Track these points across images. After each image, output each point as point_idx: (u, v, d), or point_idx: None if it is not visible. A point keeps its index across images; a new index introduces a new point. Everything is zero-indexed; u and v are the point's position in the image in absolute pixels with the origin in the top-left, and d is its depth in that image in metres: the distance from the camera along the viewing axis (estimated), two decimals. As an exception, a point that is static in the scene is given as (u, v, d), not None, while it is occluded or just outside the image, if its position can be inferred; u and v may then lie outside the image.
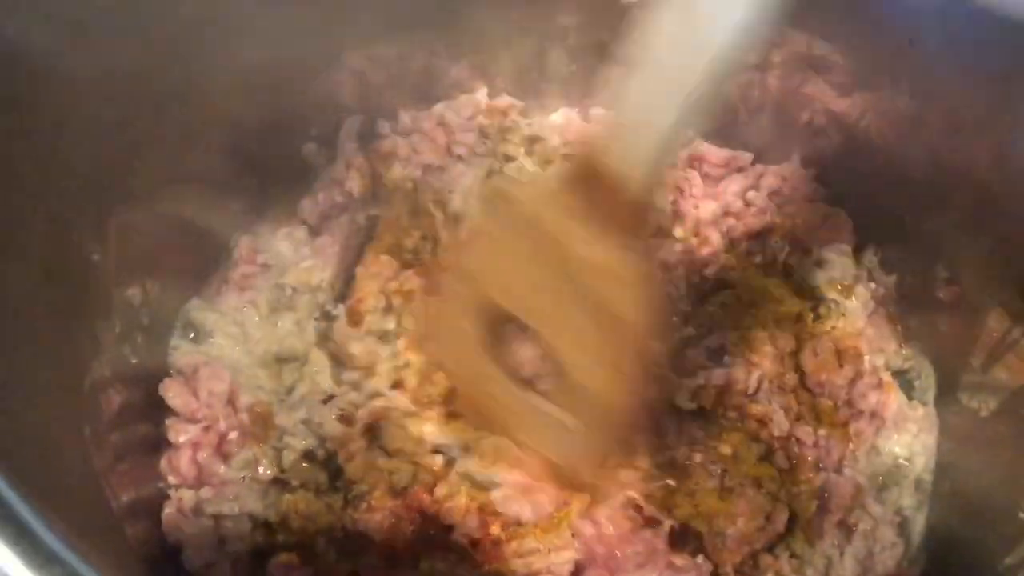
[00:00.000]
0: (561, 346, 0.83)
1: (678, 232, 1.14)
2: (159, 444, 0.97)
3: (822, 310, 1.08)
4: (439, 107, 1.20)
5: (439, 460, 0.94)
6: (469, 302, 0.87)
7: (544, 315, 0.83)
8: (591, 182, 0.75)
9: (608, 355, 0.80)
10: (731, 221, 1.14)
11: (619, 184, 0.74)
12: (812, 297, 1.09)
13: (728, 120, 1.18)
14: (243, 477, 0.94)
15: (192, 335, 1.05)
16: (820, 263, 1.11)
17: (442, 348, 0.95)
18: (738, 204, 1.15)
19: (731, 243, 1.14)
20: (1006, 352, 0.93)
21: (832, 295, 1.09)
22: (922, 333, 1.07)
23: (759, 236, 1.13)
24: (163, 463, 0.95)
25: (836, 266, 1.10)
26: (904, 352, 1.07)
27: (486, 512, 0.90)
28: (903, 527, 0.96)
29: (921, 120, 0.99)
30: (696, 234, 1.14)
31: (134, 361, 0.98)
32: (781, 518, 0.91)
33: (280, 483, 0.94)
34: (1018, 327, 0.91)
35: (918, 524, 0.97)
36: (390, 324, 1.05)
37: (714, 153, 1.18)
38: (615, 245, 0.76)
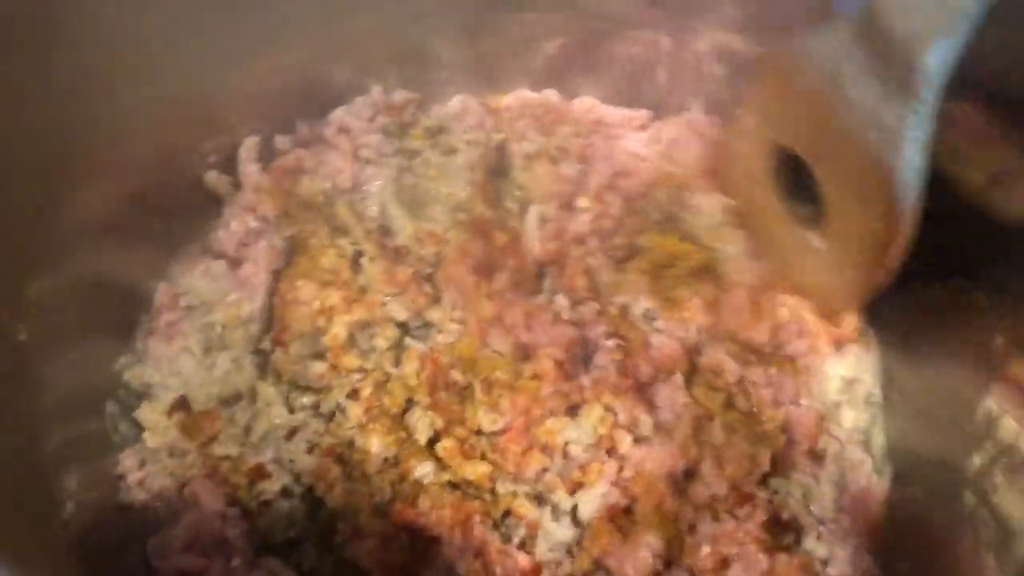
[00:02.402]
0: (832, 190, 0.95)
1: (582, 203, 1.14)
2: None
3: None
4: (337, 112, 1.17)
5: (422, 470, 0.93)
6: (760, 143, 1.04)
7: (823, 158, 0.95)
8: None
9: (869, 192, 0.90)
10: (629, 181, 1.16)
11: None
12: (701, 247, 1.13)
13: (625, 80, 1.19)
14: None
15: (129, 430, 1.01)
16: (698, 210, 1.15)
17: (734, 182, 1.11)
18: (633, 162, 1.16)
19: (629, 205, 1.15)
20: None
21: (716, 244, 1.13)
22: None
23: (650, 192, 1.15)
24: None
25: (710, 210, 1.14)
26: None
27: (472, 521, 0.91)
28: (866, 445, 1.01)
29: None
30: (600, 201, 1.14)
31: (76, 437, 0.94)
32: (764, 458, 0.95)
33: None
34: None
35: (877, 437, 1.02)
36: (321, 345, 1.02)
37: (614, 114, 1.19)
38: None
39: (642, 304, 1.06)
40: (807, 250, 1.02)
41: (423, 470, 0.94)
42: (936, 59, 0.80)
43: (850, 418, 1.02)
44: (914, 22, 0.81)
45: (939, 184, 0.87)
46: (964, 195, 0.93)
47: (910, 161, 0.86)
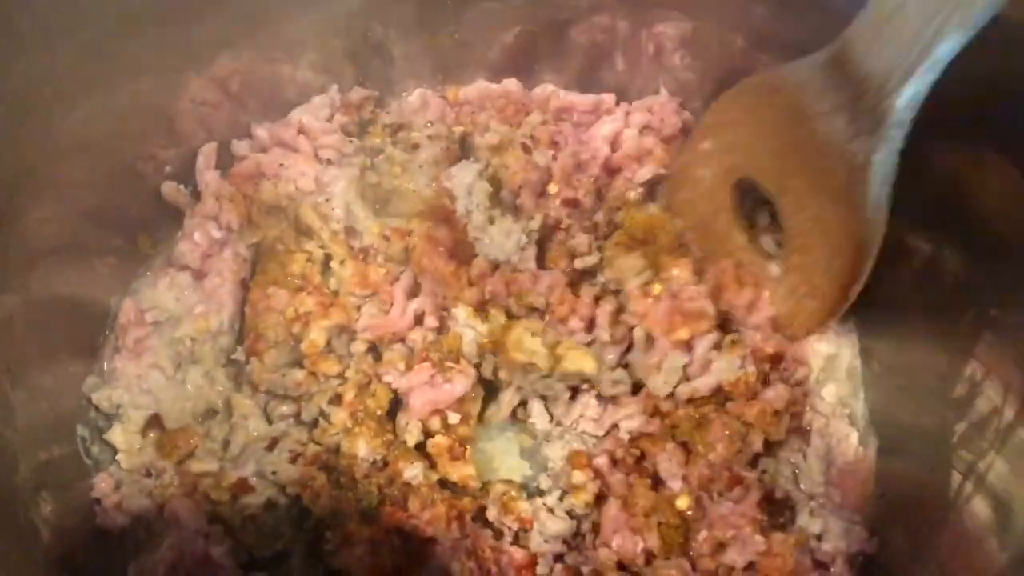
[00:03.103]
0: (794, 212, 0.95)
1: (552, 188, 1.13)
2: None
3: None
4: (295, 113, 1.14)
5: (412, 471, 0.92)
6: (721, 170, 1.02)
7: (786, 190, 0.94)
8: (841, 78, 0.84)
9: (832, 224, 0.90)
10: (599, 162, 1.14)
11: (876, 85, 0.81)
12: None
13: (587, 66, 1.18)
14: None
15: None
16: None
17: (689, 205, 1.06)
18: (605, 149, 1.15)
19: (607, 185, 1.14)
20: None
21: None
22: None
23: (630, 173, 1.15)
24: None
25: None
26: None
27: (464, 518, 0.90)
28: (851, 417, 1.01)
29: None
30: (570, 185, 1.13)
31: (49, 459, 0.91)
32: (757, 439, 0.94)
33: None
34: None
35: (859, 408, 1.02)
36: (298, 352, 1.00)
37: (581, 100, 1.18)
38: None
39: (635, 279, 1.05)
40: (764, 278, 1.02)
41: (413, 471, 0.92)
42: (905, 99, 0.80)
43: (832, 392, 1.01)
44: (885, 62, 0.80)
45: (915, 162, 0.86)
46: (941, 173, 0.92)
47: (876, 198, 0.85)
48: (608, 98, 1.18)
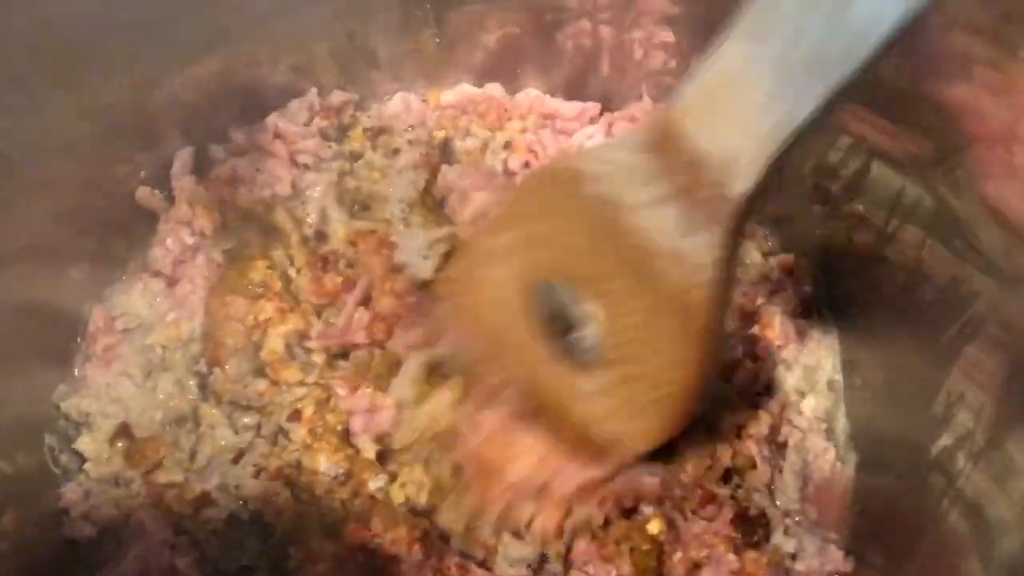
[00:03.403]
0: (613, 320, 0.78)
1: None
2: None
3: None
4: (272, 118, 1.12)
5: (376, 484, 0.90)
6: (518, 269, 0.82)
7: (602, 293, 0.78)
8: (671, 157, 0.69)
9: (663, 333, 0.76)
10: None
11: (714, 172, 0.67)
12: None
13: (572, 73, 1.16)
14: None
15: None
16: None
17: (476, 314, 0.88)
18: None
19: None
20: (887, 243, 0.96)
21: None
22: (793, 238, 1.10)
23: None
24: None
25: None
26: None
27: (428, 539, 0.88)
28: (829, 432, 0.99)
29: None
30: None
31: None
32: (726, 453, 0.93)
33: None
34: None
35: (839, 422, 1.01)
36: (259, 360, 0.99)
37: (565, 108, 1.16)
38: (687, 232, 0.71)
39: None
40: (579, 396, 0.83)
41: (376, 483, 0.91)
42: (752, 183, 0.66)
43: (811, 405, 1.00)
44: (723, 140, 0.66)
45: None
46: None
47: (715, 298, 0.73)
48: (592, 107, 1.16)
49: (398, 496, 0.91)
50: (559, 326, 0.83)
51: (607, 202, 0.74)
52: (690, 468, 0.90)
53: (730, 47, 0.66)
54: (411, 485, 0.92)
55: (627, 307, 0.77)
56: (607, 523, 0.89)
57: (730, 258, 0.72)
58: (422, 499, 0.91)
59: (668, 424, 0.81)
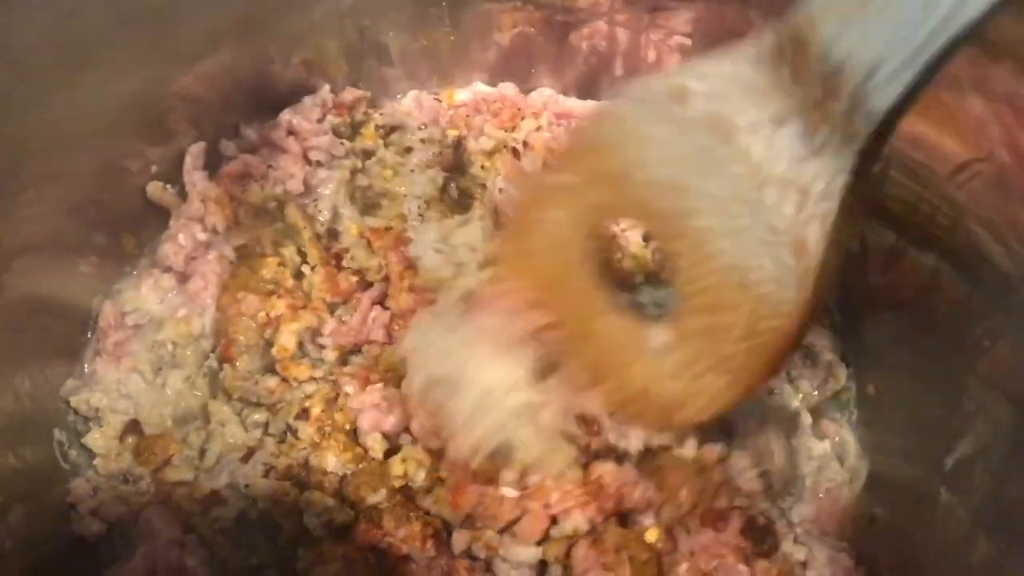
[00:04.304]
0: (696, 263, 0.70)
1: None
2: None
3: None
4: (285, 114, 1.11)
5: (382, 493, 0.90)
6: (581, 210, 0.75)
7: (682, 229, 0.70)
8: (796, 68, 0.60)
9: (766, 273, 0.67)
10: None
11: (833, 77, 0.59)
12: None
13: (585, 73, 1.16)
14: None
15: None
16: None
17: (532, 259, 0.81)
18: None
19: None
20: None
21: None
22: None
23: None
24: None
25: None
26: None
27: (439, 536, 0.88)
28: (841, 442, 0.99)
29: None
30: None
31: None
32: (716, 474, 0.90)
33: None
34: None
35: (850, 433, 1.00)
36: (270, 357, 0.99)
37: (579, 107, 1.16)
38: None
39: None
40: (642, 351, 0.76)
41: (376, 497, 0.90)
42: (898, 97, 0.58)
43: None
44: (870, 46, 0.57)
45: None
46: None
47: (837, 231, 0.64)
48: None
49: (397, 470, 0.90)
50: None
51: (718, 122, 0.66)
52: (684, 496, 0.88)
53: None
54: (412, 461, 0.91)
55: (716, 247, 0.69)
56: (596, 531, 0.88)
57: (848, 179, 0.63)
58: (420, 478, 0.90)
59: (747, 383, 0.73)
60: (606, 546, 0.87)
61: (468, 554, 0.88)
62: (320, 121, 1.12)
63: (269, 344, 0.99)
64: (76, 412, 0.97)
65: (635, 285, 0.93)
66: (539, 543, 0.87)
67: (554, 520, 0.87)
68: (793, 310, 0.67)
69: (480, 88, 1.20)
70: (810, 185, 0.63)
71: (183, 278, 1.04)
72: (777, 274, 0.67)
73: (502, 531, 0.87)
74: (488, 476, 0.87)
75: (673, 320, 0.75)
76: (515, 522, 0.87)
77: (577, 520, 0.87)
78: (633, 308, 0.79)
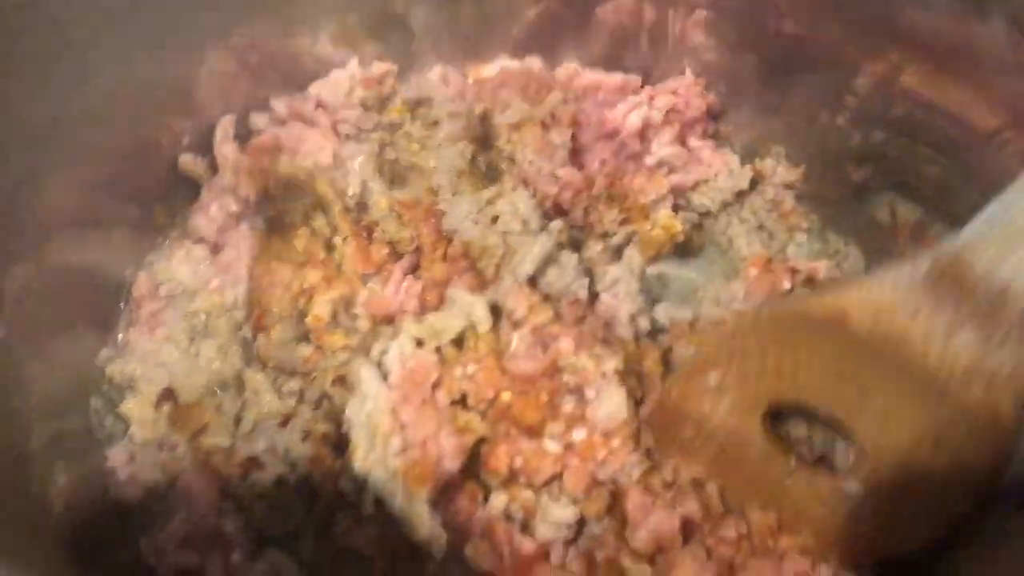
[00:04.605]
0: (874, 443, 0.82)
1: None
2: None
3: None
4: (314, 87, 1.12)
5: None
6: (745, 401, 0.86)
7: (857, 410, 0.82)
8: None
9: (955, 443, 0.79)
10: (633, 146, 1.13)
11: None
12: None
13: (610, 47, 1.16)
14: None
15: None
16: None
17: (700, 447, 0.89)
18: (636, 125, 1.13)
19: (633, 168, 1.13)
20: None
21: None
22: (841, 220, 1.11)
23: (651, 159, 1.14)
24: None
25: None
26: (831, 238, 1.11)
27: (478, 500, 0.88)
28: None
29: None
30: (603, 167, 1.12)
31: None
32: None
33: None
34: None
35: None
36: (304, 326, 0.99)
37: (607, 80, 1.16)
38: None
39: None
40: (819, 495, 0.85)
41: None
42: None
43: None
44: (1012, 265, 0.74)
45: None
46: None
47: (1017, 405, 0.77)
48: (634, 79, 1.16)
49: None
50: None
51: (887, 337, 0.79)
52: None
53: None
54: None
55: (892, 427, 0.80)
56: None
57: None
58: None
59: (920, 535, 0.82)
60: (657, 488, 0.88)
61: (506, 514, 0.88)
62: (348, 94, 1.13)
63: (303, 314, 0.99)
64: (111, 381, 0.99)
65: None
66: (577, 501, 0.87)
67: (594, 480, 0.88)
68: (988, 470, 0.79)
69: (506, 62, 1.20)
70: (998, 370, 0.76)
71: (215, 249, 1.05)
72: (975, 445, 0.78)
73: (543, 486, 0.88)
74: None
75: (855, 473, 0.84)
76: (556, 477, 0.88)
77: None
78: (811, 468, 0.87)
